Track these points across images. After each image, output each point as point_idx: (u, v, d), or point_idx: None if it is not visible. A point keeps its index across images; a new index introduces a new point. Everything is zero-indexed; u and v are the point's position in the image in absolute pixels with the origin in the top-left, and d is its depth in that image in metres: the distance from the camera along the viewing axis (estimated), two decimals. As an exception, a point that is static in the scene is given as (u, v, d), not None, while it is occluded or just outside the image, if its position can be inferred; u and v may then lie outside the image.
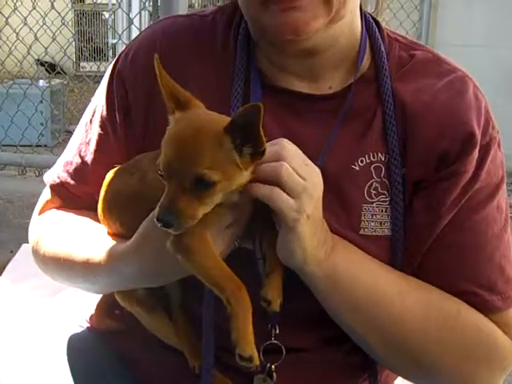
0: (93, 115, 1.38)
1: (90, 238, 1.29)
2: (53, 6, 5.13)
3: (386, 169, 1.22)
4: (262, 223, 1.11)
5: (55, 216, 1.39)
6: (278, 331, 1.21)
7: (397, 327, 1.17)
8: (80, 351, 1.45)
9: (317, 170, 1.09)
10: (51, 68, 6.30)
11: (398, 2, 5.67)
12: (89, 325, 1.48)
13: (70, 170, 1.37)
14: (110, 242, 1.24)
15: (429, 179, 1.21)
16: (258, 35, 1.25)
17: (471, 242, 1.22)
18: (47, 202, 1.42)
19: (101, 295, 1.43)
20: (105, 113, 1.34)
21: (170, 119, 1.06)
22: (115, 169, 1.26)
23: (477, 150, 1.20)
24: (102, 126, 1.34)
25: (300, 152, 1.07)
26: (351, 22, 1.25)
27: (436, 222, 1.20)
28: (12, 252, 3.48)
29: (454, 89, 1.24)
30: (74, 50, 10.30)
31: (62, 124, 6.78)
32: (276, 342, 1.20)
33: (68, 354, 1.45)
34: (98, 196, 1.28)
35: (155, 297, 1.27)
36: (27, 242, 1.48)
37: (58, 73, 6.20)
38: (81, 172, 1.36)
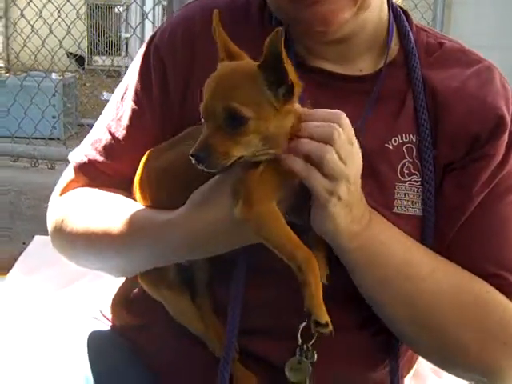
0: (125, 92, 1.36)
1: (127, 209, 1.26)
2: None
3: (418, 150, 1.25)
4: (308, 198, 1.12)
5: (83, 193, 1.35)
6: None
7: (426, 303, 1.19)
8: (99, 348, 1.43)
9: (359, 152, 1.11)
10: (79, 61, 6.33)
11: (412, 1, 5.66)
12: (104, 317, 1.46)
13: (99, 148, 1.34)
14: (154, 212, 1.22)
15: (459, 161, 1.24)
16: (288, 25, 1.27)
17: (498, 225, 1.25)
18: (70, 181, 1.38)
19: (116, 289, 1.41)
20: (140, 88, 1.33)
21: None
22: (157, 146, 1.26)
23: (506, 135, 1.24)
24: (136, 101, 1.33)
25: (351, 127, 1.09)
26: (379, 10, 1.30)
27: (466, 204, 1.23)
28: (24, 244, 3.50)
29: (482, 76, 1.28)
30: (86, 44, 10.32)
31: (74, 117, 6.77)
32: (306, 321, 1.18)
33: (89, 350, 1.42)
34: (129, 173, 1.26)
35: (183, 279, 1.26)
36: (39, 234, 1.49)
37: (81, 65, 6.19)
38: (111, 148, 1.33)
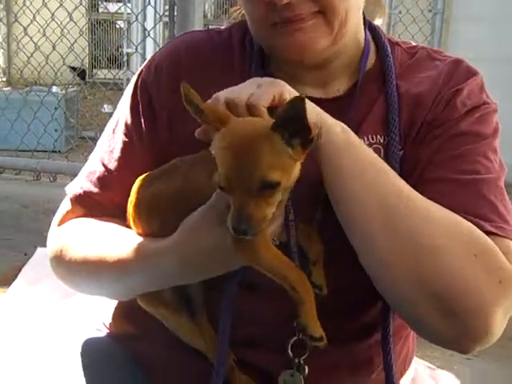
0: (116, 125, 1.42)
1: (122, 238, 1.30)
2: (70, 17, 5.20)
3: (385, 150, 1.30)
4: (295, 217, 1.18)
5: (79, 223, 1.40)
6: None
7: (401, 200, 1.14)
8: (95, 355, 1.46)
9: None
10: (81, 75, 6.34)
11: (411, 15, 5.72)
12: (106, 329, 1.50)
13: (94, 179, 1.39)
14: (146, 240, 1.26)
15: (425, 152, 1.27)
16: (269, 53, 1.35)
17: (457, 178, 1.23)
18: (67, 212, 1.42)
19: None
20: (129, 121, 1.38)
21: (214, 136, 1.09)
22: (148, 173, 1.30)
23: (458, 103, 1.29)
24: (127, 133, 1.38)
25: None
26: (356, 33, 1.36)
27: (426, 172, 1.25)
28: (26, 255, 3.52)
29: (444, 73, 1.34)
30: (88, 58, 10.37)
31: (76, 130, 6.81)
32: (301, 336, 1.22)
33: (82, 357, 1.45)
34: (122, 202, 1.30)
35: (179, 298, 1.30)
36: (42, 246, 1.49)
37: (83, 79, 6.20)
38: (104, 179, 1.38)
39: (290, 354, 1.26)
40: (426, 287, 1.11)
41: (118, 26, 11.79)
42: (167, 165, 1.28)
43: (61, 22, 5.43)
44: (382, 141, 1.31)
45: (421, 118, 1.31)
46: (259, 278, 1.11)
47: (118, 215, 1.34)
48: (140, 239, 1.27)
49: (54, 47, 5.17)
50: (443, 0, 6.41)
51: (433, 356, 2.70)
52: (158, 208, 1.26)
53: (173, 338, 1.31)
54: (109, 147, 1.40)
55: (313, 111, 1.12)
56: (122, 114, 1.42)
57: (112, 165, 1.38)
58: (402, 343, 1.44)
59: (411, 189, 1.16)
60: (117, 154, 1.38)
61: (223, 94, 1.12)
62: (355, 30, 1.34)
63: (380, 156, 1.25)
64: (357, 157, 1.15)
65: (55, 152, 5.52)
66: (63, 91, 6.47)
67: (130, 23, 9.32)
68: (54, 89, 6.41)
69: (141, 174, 1.31)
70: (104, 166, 1.39)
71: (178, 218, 1.20)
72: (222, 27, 1.45)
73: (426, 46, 1.45)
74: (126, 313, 1.45)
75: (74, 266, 1.36)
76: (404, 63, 1.38)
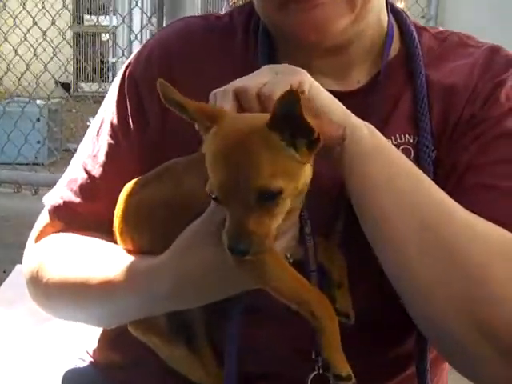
0: (100, 126, 1.27)
1: (107, 255, 1.16)
2: (53, 24, 5.12)
3: (416, 151, 1.14)
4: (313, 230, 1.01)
5: (58, 239, 1.25)
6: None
7: (441, 218, 0.99)
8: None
9: None
10: (65, 87, 6.45)
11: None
12: (91, 358, 1.34)
13: (75, 188, 1.24)
14: (135, 258, 1.11)
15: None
16: (278, 37, 1.18)
17: (502, 185, 1.08)
18: (45, 226, 1.27)
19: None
20: (115, 120, 1.23)
21: (204, 137, 0.94)
22: (137, 179, 1.13)
23: (503, 96, 1.14)
24: (113, 134, 1.23)
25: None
26: (379, 13, 1.19)
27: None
28: (5, 272, 3.36)
29: (482, 62, 1.18)
30: (72, 71, 10.33)
31: (60, 142, 6.79)
32: (324, 372, 1.04)
33: None
34: (108, 214, 1.15)
35: (176, 325, 1.13)
36: (22, 263, 1.36)
37: (67, 92, 6.30)
38: (87, 188, 1.23)
39: None
40: (475, 318, 0.95)
41: (103, 39, 11.77)
42: (159, 167, 1.12)
43: (44, 34, 5.29)
44: (411, 140, 1.15)
45: (456, 114, 1.14)
46: (270, 301, 0.95)
47: (103, 229, 1.18)
48: (129, 257, 1.12)
49: (35, 54, 5.07)
50: (436, 6, 6.42)
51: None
52: (148, 219, 1.10)
53: (167, 367, 1.15)
54: (92, 151, 1.25)
55: (338, 108, 0.99)
56: (107, 113, 1.26)
57: (96, 171, 1.23)
58: (438, 378, 1.26)
59: (453, 202, 1.00)
60: (101, 158, 1.23)
61: (233, 84, 0.96)
62: (378, 8, 1.18)
63: (410, 158, 1.09)
64: (388, 164, 1.00)
65: (37, 165, 5.43)
66: (46, 101, 6.41)
67: (115, 35, 9.27)
68: (38, 101, 6.36)
69: (129, 181, 1.15)
70: (87, 172, 1.24)
71: (173, 232, 1.04)
72: (222, 13, 1.31)
73: (457, 32, 1.28)
74: (112, 339, 1.29)
75: (52, 289, 1.21)
76: (433, 50, 1.22)
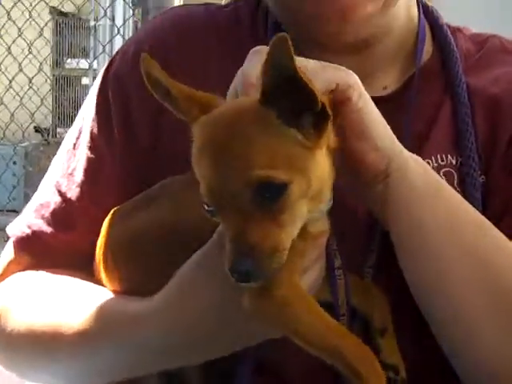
0: (77, 138, 1.09)
1: (85, 298, 0.98)
2: (40, 69, 5.01)
3: (460, 175, 1.01)
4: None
5: (25, 279, 1.06)
6: None
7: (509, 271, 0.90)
8: None
9: None
10: (43, 132, 6.49)
11: None
12: None
13: (46, 215, 1.06)
14: (122, 300, 0.93)
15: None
16: (290, 30, 1.01)
17: None
18: (9, 263, 1.09)
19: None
20: (96, 129, 1.06)
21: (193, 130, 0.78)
22: (126, 203, 0.96)
23: None
24: (92, 146, 1.06)
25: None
26: (408, 6, 1.06)
27: None
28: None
29: None
30: (51, 117, 10.23)
31: (36, 187, 6.56)
32: None
33: None
34: (87, 246, 0.99)
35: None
36: None
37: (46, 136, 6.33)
38: (62, 214, 1.05)
39: None
40: None
41: (82, 83, 11.68)
42: (153, 188, 0.95)
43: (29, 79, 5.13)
44: (454, 162, 1.01)
45: (506, 131, 1.01)
46: (289, 356, 0.84)
47: (81, 265, 1.03)
48: (112, 300, 0.94)
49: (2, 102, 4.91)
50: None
51: None
52: (140, 251, 0.92)
53: None
54: (67, 168, 1.07)
55: (386, 133, 0.85)
56: (85, 122, 1.08)
57: (73, 192, 1.06)
58: None
59: None
60: (79, 177, 1.06)
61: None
62: (407, 1, 1.05)
63: (453, 184, 0.96)
64: (445, 208, 0.87)
65: (13, 211, 5.13)
66: (23, 143, 6.30)
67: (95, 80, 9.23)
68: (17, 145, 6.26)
69: (114, 204, 0.98)
70: (61, 194, 1.06)
71: (170, 267, 0.87)
72: (223, 4, 1.17)
73: (495, 35, 1.15)
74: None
75: (14, 341, 1.03)
76: (471, 55, 1.09)
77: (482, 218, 0.93)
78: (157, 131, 1.05)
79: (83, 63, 10.20)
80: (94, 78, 9.32)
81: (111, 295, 0.99)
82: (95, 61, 9.11)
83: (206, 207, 0.75)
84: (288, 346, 0.80)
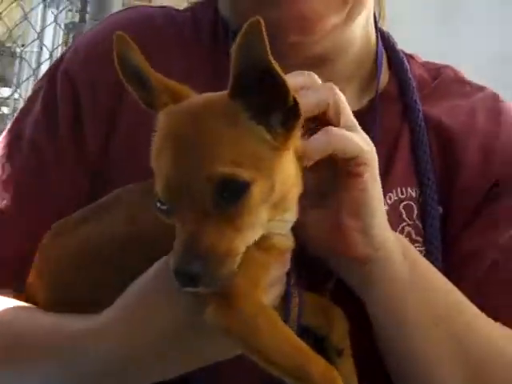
0: (10, 141, 1.03)
1: (15, 318, 0.92)
2: None
3: (419, 208, 1.03)
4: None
5: None
6: None
7: (487, 353, 0.95)
8: None
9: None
10: None
11: None
12: None
13: None
14: (63, 317, 0.87)
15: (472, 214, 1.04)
16: None
17: None
18: None
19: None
20: (37, 131, 1.01)
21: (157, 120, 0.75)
22: (74, 215, 0.92)
23: None
24: (31, 153, 1.00)
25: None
26: (366, 24, 1.08)
27: (486, 250, 1.03)
28: None
29: (488, 107, 1.10)
30: None
31: None
32: None
33: None
34: (20, 263, 0.94)
35: None
36: None
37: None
38: None
39: None
40: None
41: (1, 112, 11.33)
42: (106, 198, 0.91)
43: None
44: (413, 195, 1.02)
45: (460, 163, 1.03)
46: (247, 373, 0.79)
47: (10, 286, 0.98)
48: (50, 317, 0.88)
49: None
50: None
51: None
52: (87, 268, 0.88)
53: None
54: (1, 175, 1.02)
55: (379, 221, 0.86)
56: (23, 123, 1.04)
57: (5, 203, 1.00)
58: None
59: (499, 338, 0.96)
60: (13, 184, 1.01)
61: None
62: (367, 18, 1.07)
63: (412, 217, 0.99)
64: (430, 298, 0.91)
65: None
66: None
67: (16, 109, 8.80)
68: None
69: (53, 217, 0.93)
70: None
71: (120, 282, 0.81)
72: (181, 8, 1.18)
73: (447, 64, 1.18)
74: None
75: None
76: (427, 84, 1.11)
77: (459, 296, 0.95)
78: (112, 127, 1.02)
79: (4, 91, 9.85)
80: (15, 107, 8.91)
81: (48, 313, 0.90)
82: (18, 89, 8.74)
83: (160, 205, 0.73)
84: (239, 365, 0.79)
